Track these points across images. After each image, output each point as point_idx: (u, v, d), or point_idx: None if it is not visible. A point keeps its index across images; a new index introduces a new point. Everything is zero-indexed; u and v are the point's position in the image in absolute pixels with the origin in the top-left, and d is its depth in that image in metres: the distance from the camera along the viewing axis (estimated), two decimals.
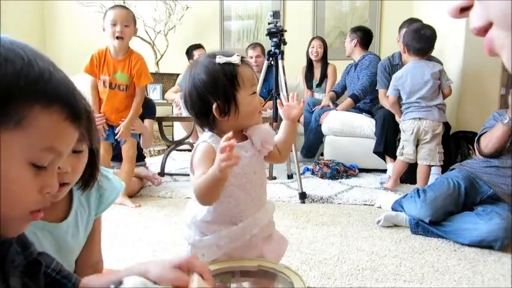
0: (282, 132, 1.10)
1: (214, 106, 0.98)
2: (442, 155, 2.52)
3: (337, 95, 3.71)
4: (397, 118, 2.77)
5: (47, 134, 0.49)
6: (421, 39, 2.47)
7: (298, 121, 3.93)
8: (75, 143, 0.74)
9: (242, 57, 1.01)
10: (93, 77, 2.32)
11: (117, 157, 2.56)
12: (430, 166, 2.52)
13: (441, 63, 3.10)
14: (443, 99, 2.55)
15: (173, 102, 3.99)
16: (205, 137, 1.03)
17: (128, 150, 2.41)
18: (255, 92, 1.02)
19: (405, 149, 2.56)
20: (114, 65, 2.26)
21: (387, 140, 2.91)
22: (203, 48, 4.09)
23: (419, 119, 2.48)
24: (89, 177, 0.87)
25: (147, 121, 2.71)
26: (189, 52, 4.13)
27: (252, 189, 1.04)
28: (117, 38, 2.19)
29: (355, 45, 3.55)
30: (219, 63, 0.98)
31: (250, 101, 1.00)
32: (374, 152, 2.97)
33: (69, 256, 0.90)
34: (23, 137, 0.47)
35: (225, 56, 0.99)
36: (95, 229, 0.96)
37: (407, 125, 2.53)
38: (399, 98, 2.66)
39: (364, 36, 3.58)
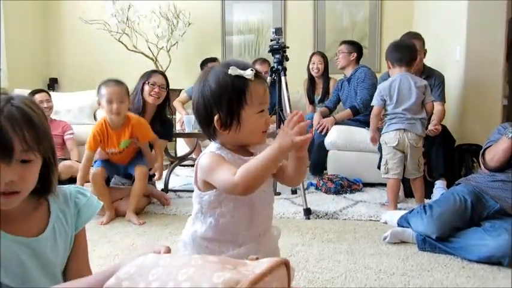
0: (289, 161, 0.99)
1: (216, 117, 0.97)
2: (423, 165, 2.53)
3: (330, 110, 3.72)
4: (370, 133, 2.61)
5: None
6: (401, 48, 2.50)
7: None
8: (21, 152, 0.79)
9: (257, 72, 0.98)
10: (91, 152, 2.40)
11: (128, 176, 2.64)
12: (421, 178, 2.51)
13: (442, 76, 3.12)
14: (426, 115, 2.51)
15: (178, 121, 4.03)
16: (212, 147, 1.01)
17: (140, 171, 2.45)
18: (262, 111, 0.99)
19: (389, 164, 2.47)
20: (117, 136, 2.41)
21: None
22: (215, 61, 4.12)
23: (404, 130, 2.41)
24: (42, 186, 0.87)
25: (161, 141, 2.72)
26: (203, 65, 4.15)
27: (260, 208, 1.01)
28: (115, 113, 2.34)
29: (352, 58, 3.56)
30: (230, 75, 0.96)
31: (255, 120, 0.97)
32: (378, 168, 2.96)
33: (53, 270, 0.90)
34: None
35: (240, 68, 0.96)
36: (78, 244, 0.97)
37: (390, 136, 2.45)
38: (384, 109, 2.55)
39: (360, 51, 3.61)
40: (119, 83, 2.36)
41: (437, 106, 2.77)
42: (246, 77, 0.95)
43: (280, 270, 0.63)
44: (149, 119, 2.67)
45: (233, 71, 0.95)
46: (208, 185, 0.99)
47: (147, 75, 2.69)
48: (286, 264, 0.65)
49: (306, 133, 0.85)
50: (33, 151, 0.80)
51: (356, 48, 3.59)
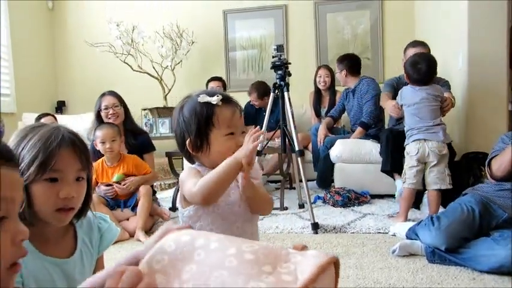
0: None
1: (187, 141, 1.06)
2: (450, 177, 2.45)
3: (334, 120, 3.74)
4: (390, 106, 2.79)
5: None
6: (418, 72, 2.48)
7: (307, 148, 3.98)
8: (78, 171, 0.89)
9: (227, 97, 1.07)
10: None
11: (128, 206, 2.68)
12: (440, 191, 2.43)
13: (448, 82, 3.12)
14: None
15: None
16: (193, 164, 1.12)
17: (144, 188, 2.59)
18: (232, 133, 1.05)
19: (407, 173, 2.49)
20: (112, 172, 2.61)
21: (393, 157, 2.86)
22: (219, 80, 4.18)
23: (424, 140, 2.44)
24: (84, 204, 0.96)
25: (147, 156, 2.84)
26: (207, 84, 4.22)
27: (237, 222, 1.06)
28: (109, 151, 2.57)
29: (345, 76, 3.57)
30: (200, 102, 1.05)
31: (224, 142, 1.05)
32: (382, 171, 2.96)
33: None
34: None
35: (208, 95, 1.05)
36: (98, 267, 1.05)
37: (411, 147, 2.48)
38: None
39: (352, 64, 3.58)
40: (110, 125, 2.62)
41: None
42: (213, 102, 1.03)
43: (328, 272, 0.53)
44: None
45: (201, 98, 1.04)
46: (187, 201, 1.06)
47: (98, 102, 2.79)
48: (335, 262, 0.55)
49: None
50: (85, 170, 0.91)
51: (345, 64, 3.58)
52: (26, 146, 0.86)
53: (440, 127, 2.47)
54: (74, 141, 0.90)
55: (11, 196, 0.51)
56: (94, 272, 1.04)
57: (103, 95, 2.82)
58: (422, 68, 2.46)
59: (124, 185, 2.56)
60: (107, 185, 2.58)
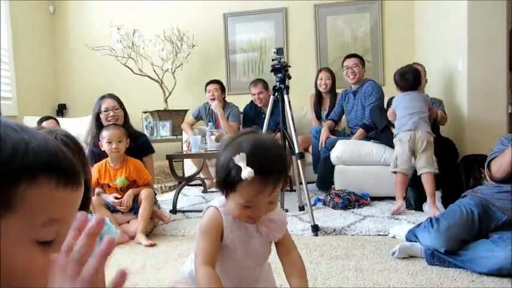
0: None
1: (216, 179, 1.04)
2: (437, 163, 2.78)
3: (335, 123, 3.75)
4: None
5: (42, 208, 0.45)
6: (407, 81, 2.95)
7: (307, 150, 3.98)
8: None
9: (265, 172, 0.94)
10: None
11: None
12: (432, 174, 2.72)
13: (441, 100, 3.35)
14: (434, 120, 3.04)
15: (184, 142, 4.08)
16: (216, 202, 1.08)
17: (146, 191, 2.60)
18: (250, 206, 0.99)
19: (398, 160, 2.83)
20: (114, 173, 2.63)
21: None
22: (217, 83, 4.18)
23: (415, 128, 2.80)
24: (82, 206, 0.92)
25: (146, 158, 2.84)
26: (207, 87, 4.22)
27: (252, 265, 1.10)
28: (115, 151, 2.59)
29: (364, 70, 3.64)
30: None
31: (239, 208, 1.00)
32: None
33: None
34: (18, 219, 0.43)
35: (246, 160, 0.93)
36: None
37: (403, 135, 2.84)
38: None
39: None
40: (117, 126, 2.65)
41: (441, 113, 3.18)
42: (242, 176, 0.93)
43: None
44: None
45: (238, 159, 0.94)
46: None
47: (98, 104, 2.79)
48: None
49: None
50: (81, 174, 0.89)
51: (363, 62, 3.64)
52: None
53: (426, 120, 2.87)
54: (67, 145, 0.88)
55: (62, 218, 0.47)
56: None
57: (103, 97, 2.82)
58: (410, 78, 2.94)
59: (122, 204, 2.57)
60: (116, 198, 2.59)
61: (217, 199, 1.08)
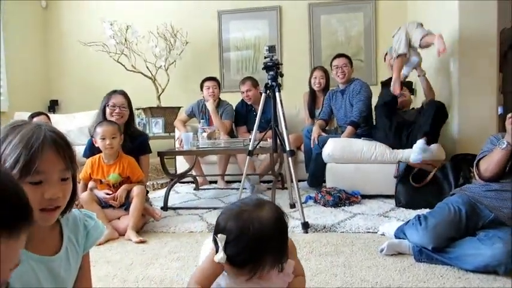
0: None
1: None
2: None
3: (326, 122, 3.78)
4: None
5: None
6: None
7: (299, 149, 4.00)
8: (62, 171, 0.87)
9: (233, 260, 0.97)
10: (84, 181, 2.64)
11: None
12: None
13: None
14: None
15: (176, 139, 4.07)
16: None
17: (138, 188, 2.58)
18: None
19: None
20: (107, 169, 2.61)
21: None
22: (214, 80, 4.17)
23: None
24: (69, 201, 0.94)
25: (142, 158, 2.81)
26: (201, 84, 4.20)
27: None
28: (109, 148, 2.57)
29: (352, 71, 3.68)
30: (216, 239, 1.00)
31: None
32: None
33: (64, 286, 0.98)
34: None
35: (222, 242, 0.96)
36: (84, 264, 1.05)
37: None
38: None
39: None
40: (111, 122, 2.63)
41: None
42: (214, 258, 0.97)
43: None
44: None
45: (219, 238, 0.97)
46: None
47: (107, 98, 2.78)
48: None
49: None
50: (69, 170, 0.89)
51: (350, 62, 3.68)
52: (7, 148, 0.83)
53: None
54: (56, 141, 0.86)
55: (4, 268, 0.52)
56: (79, 270, 1.04)
57: (114, 92, 2.81)
58: None
59: (116, 199, 2.56)
60: (107, 194, 2.57)
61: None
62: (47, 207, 0.86)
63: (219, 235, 0.95)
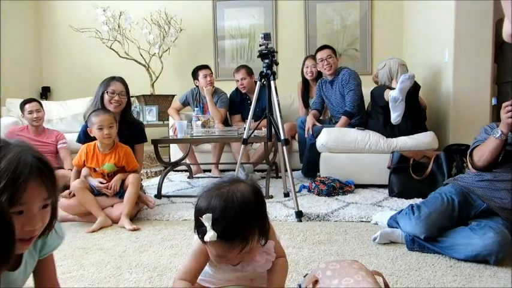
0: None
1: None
2: None
3: (320, 113, 3.78)
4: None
5: None
6: None
7: (294, 138, 3.99)
8: (44, 199, 0.85)
9: (229, 234, 0.98)
10: (78, 168, 2.62)
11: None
12: None
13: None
14: None
15: (170, 127, 4.05)
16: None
17: (133, 176, 2.57)
18: (224, 256, 1.03)
19: None
20: (102, 158, 2.57)
21: None
22: (209, 68, 4.13)
23: None
24: (48, 225, 0.93)
25: (138, 146, 2.78)
26: (195, 73, 4.15)
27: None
28: (106, 137, 2.52)
29: (337, 61, 3.66)
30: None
31: (211, 255, 1.06)
32: None
33: None
34: None
35: (209, 220, 0.96)
36: (47, 265, 1.06)
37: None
38: None
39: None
40: (106, 111, 2.57)
41: None
42: (205, 238, 0.96)
43: None
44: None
45: (204, 218, 0.96)
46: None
47: (106, 84, 2.69)
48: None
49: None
50: (50, 197, 0.88)
51: (335, 50, 3.69)
52: None
53: None
54: (41, 170, 0.85)
55: None
56: (42, 272, 1.04)
57: (112, 78, 2.73)
58: None
59: (110, 188, 2.53)
60: (101, 182, 2.54)
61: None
62: (24, 237, 0.85)
63: (204, 216, 0.96)
